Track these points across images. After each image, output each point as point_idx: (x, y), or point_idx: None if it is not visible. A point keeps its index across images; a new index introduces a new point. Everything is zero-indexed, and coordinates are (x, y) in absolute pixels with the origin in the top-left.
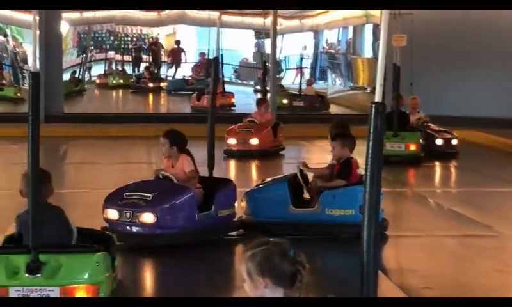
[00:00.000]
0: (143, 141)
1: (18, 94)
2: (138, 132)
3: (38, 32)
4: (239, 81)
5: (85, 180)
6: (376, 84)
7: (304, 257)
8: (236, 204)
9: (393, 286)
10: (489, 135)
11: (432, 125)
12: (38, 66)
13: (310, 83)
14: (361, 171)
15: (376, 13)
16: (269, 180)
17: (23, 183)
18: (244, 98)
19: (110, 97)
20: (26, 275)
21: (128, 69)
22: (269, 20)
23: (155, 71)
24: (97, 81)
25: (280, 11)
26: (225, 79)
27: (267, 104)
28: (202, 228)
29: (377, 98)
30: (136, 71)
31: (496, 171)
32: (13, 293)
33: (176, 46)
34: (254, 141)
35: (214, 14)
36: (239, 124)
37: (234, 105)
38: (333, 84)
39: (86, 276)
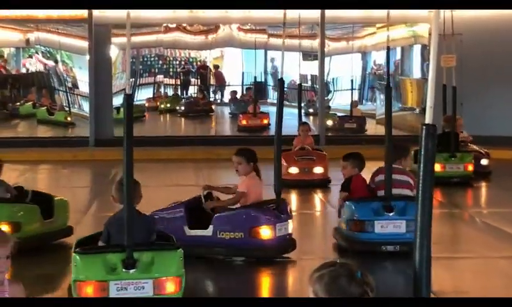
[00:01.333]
0: (192, 163)
1: (69, 119)
2: (187, 154)
3: (87, 57)
4: (287, 103)
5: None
6: (425, 105)
7: (372, 279)
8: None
9: None
10: None
11: (473, 145)
12: (129, 89)
13: (355, 105)
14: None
15: (423, 33)
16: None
17: (115, 190)
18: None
19: (159, 120)
20: (123, 270)
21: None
22: (316, 42)
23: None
24: (146, 104)
25: (327, 33)
26: (272, 101)
27: (308, 128)
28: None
29: (428, 119)
30: (185, 95)
31: None
32: (113, 286)
33: (214, 70)
34: (318, 170)
35: (261, 37)
36: (294, 151)
37: (269, 125)
38: (382, 105)
39: (173, 269)
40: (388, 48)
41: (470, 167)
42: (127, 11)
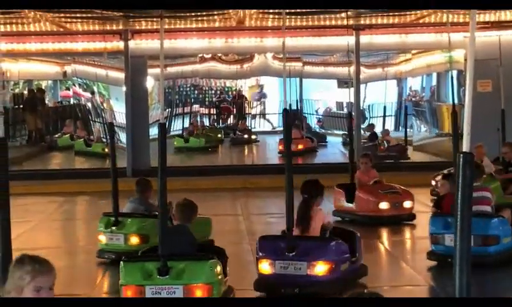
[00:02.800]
0: (229, 192)
1: (106, 150)
2: (224, 184)
3: (124, 88)
4: (323, 131)
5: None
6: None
7: None
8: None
9: None
10: None
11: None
12: (163, 119)
13: (387, 133)
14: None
15: (459, 59)
16: None
17: (175, 210)
18: (330, 148)
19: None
20: (158, 277)
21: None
22: (352, 69)
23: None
24: (184, 134)
25: (362, 60)
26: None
27: (369, 160)
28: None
29: (465, 147)
30: (221, 124)
31: None
32: (148, 290)
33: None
34: (407, 204)
35: (297, 65)
36: (377, 185)
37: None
38: (418, 131)
39: (203, 278)
40: (457, 72)
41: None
42: (160, 41)
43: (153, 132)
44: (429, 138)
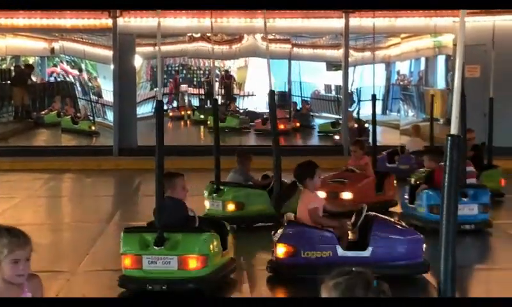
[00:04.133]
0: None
1: (93, 128)
2: (210, 164)
3: (112, 66)
4: (311, 114)
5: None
6: (450, 116)
7: (388, 286)
8: None
9: None
10: None
11: None
12: (160, 96)
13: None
14: None
15: (448, 44)
16: None
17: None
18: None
19: (184, 130)
20: (154, 247)
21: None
22: (340, 52)
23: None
24: (170, 114)
25: (351, 43)
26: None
27: (359, 147)
28: None
29: (453, 130)
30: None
31: None
32: (145, 260)
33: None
34: (347, 195)
35: (286, 46)
36: (333, 173)
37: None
38: (406, 116)
39: (196, 249)
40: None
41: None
42: (157, 20)
43: (141, 111)
44: (416, 122)
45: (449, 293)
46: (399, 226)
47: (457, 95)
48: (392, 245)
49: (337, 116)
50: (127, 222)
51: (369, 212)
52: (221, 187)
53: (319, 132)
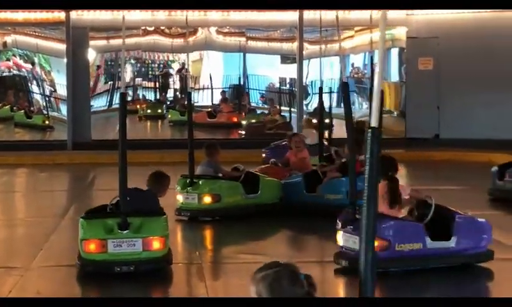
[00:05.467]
0: (171, 166)
1: (47, 122)
2: (167, 157)
3: (65, 60)
4: (266, 106)
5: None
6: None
7: (314, 281)
8: None
9: None
10: None
11: None
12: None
13: (276, 111)
14: None
15: (401, 37)
16: None
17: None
18: None
19: (138, 123)
20: (119, 231)
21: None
22: (295, 45)
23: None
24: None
25: (305, 36)
26: (252, 104)
27: (300, 140)
28: None
29: (374, 122)
30: (162, 98)
31: None
32: (110, 244)
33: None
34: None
35: (241, 40)
36: (259, 167)
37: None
38: (360, 108)
39: (158, 231)
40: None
41: None
42: (122, 13)
43: (95, 104)
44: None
45: (370, 292)
46: (469, 216)
47: (378, 88)
48: (473, 234)
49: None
50: None
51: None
52: (196, 180)
53: None
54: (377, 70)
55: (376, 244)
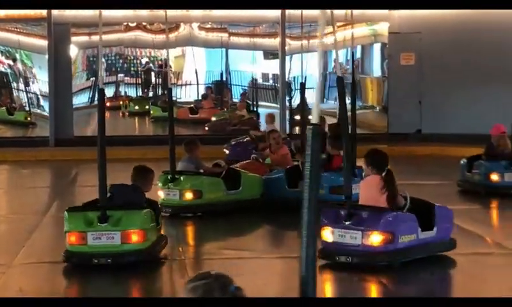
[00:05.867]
0: (154, 163)
1: (29, 119)
2: (149, 154)
3: (47, 56)
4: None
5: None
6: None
7: (244, 292)
8: None
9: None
10: None
11: None
12: (102, 84)
13: (242, 106)
14: None
15: (383, 32)
16: None
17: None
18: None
19: (121, 120)
20: (98, 224)
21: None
22: (277, 41)
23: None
24: (107, 104)
25: (287, 31)
26: (235, 100)
27: (279, 136)
28: None
29: (315, 119)
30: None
31: None
32: (90, 236)
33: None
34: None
35: (223, 36)
36: (240, 163)
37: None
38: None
39: (138, 224)
40: None
41: None
42: (99, 10)
43: (77, 101)
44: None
45: (312, 291)
46: (444, 206)
47: (319, 85)
48: (447, 223)
49: (275, 105)
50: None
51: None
52: (177, 176)
53: None
54: (317, 69)
55: (382, 237)
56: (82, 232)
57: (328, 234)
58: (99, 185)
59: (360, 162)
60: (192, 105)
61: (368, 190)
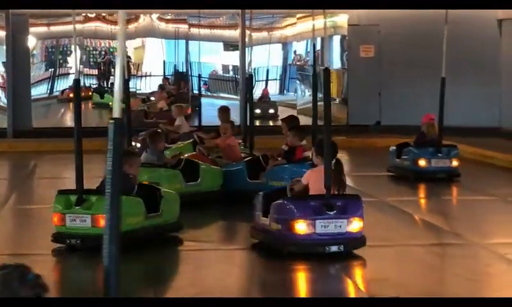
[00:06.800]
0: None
1: None
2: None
3: (4, 47)
4: (209, 93)
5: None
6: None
7: (44, 280)
8: None
9: (365, 296)
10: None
11: None
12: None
13: (161, 97)
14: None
15: (342, 24)
16: None
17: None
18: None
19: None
20: (75, 207)
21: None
22: (237, 32)
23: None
24: (69, 95)
25: (248, 23)
26: (194, 92)
27: (227, 126)
28: None
29: (115, 113)
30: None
31: (464, 179)
32: (67, 218)
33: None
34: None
35: (182, 27)
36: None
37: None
38: (302, 96)
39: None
40: None
41: None
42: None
43: (35, 92)
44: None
45: (115, 289)
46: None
47: (120, 78)
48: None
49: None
50: (23, 206)
51: None
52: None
53: None
54: (118, 63)
55: (361, 223)
56: (62, 214)
57: (302, 227)
58: (76, 171)
59: None
60: (145, 97)
61: (321, 179)
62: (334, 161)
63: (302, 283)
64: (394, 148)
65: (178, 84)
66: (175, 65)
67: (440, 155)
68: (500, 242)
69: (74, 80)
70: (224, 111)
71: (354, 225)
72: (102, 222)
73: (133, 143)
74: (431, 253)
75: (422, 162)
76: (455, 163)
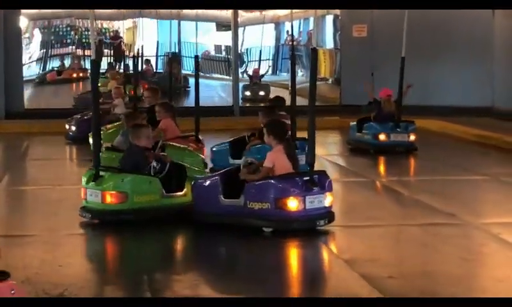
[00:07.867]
0: None
1: None
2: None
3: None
4: (201, 74)
5: (47, 177)
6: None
7: None
8: None
9: (357, 276)
10: (448, 123)
11: None
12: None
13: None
14: None
15: None
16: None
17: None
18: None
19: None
20: (92, 182)
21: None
22: (230, 12)
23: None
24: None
25: None
26: (186, 72)
27: (162, 108)
28: None
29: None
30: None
31: (457, 159)
32: (87, 192)
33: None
34: None
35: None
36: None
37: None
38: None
39: (111, 186)
40: None
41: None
42: None
43: (27, 73)
44: (306, 82)
45: None
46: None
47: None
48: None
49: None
50: (16, 187)
51: None
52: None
53: None
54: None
55: (332, 198)
56: (85, 188)
57: (294, 204)
58: (93, 148)
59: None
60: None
61: (284, 158)
62: (286, 141)
63: (294, 263)
64: (354, 123)
65: (169, 65)
66: (168, 45)
67: (398, 130)
68: (493, 221)
69: (91, 60)
70: (153, 92)
71: (329, 199)
72: (108, 199)
73: (67, 126)
74: (425, 233)
75: (382, 136)
76: (412, 137)
